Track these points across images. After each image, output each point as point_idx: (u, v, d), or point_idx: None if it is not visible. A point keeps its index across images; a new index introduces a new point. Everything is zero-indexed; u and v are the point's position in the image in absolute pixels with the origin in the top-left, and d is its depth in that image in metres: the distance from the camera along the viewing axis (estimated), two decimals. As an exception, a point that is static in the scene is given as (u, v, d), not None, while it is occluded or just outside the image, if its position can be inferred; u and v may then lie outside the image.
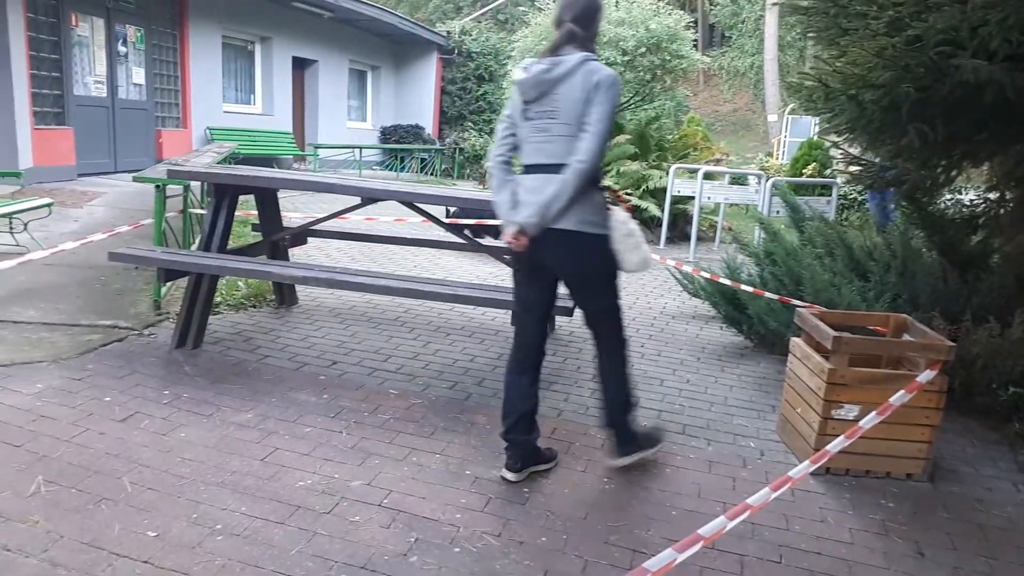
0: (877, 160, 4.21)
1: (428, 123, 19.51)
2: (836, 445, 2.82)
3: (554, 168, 2.79)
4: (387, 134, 19.13)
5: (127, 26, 11.55)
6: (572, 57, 2.77)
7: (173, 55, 12.76)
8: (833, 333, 3.19)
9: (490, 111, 19.92)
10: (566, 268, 2.95)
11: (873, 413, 2.90)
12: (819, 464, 2.75)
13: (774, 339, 4.64)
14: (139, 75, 11.93)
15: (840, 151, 4.24)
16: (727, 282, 4.85)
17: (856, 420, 3.07)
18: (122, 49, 11.48)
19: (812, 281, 4.22)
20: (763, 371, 4.56)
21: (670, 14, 10.61)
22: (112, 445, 3.03)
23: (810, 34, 3.75)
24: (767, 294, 4.56)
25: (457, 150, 18.85)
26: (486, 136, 19.28)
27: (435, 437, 3.34)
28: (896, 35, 2.72)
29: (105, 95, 11.22)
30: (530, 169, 2.90)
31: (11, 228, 5.98)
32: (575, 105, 2.74)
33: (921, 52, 2.67)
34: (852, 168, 4.41)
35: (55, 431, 3.11)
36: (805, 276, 4.31)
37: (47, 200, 6.13)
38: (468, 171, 18.50)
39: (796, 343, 3.57)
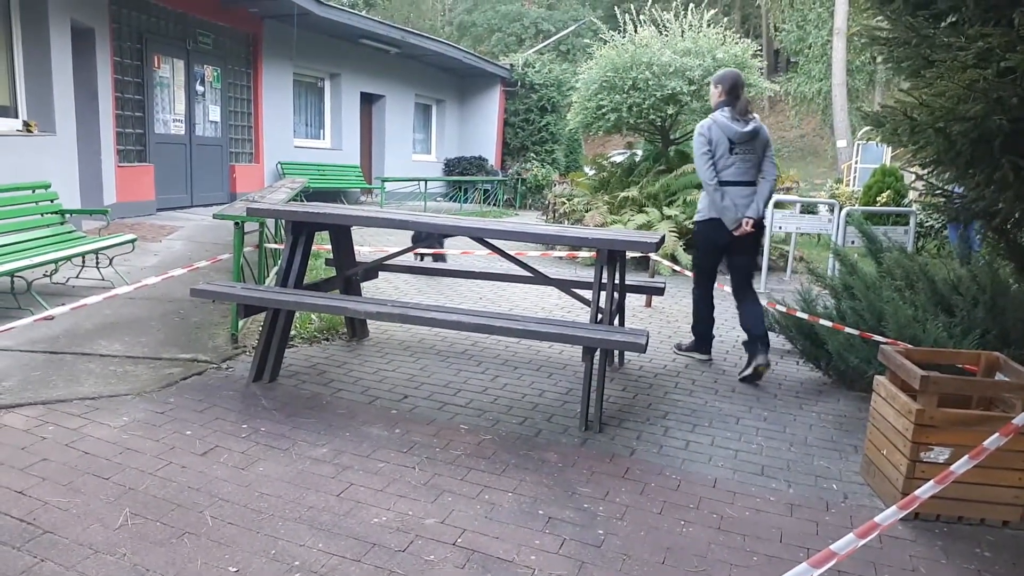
0: (962, 190, 4.06)
1: (491, 154, 19.73)
2: (926, 490, 2.68)
3: (752, 184, 4.89)
4: (451, 166, 19.41)
5: (205, 66, 12.05)
6: (756, 120, 4.90)
7: (247, 92, 13.25)
8: (921, 372, 3.07)
9: (552, 141, 20.05)
10: (749, 241, 4.96)
11: (966, 457, 2.76)
12: (908, 510, 2.63)
13: (854, 376, 4.48)
14: (215, 113, 12.41)
15: (922, 182, 4.10)
16: (804, 316, 4.72)
17: (947, 463, 2.94)
18: (200, 88, 11.97)
19: (895, 316, 4.07)
20: (843, 409, 4.41)
21: (737, 43, 10.53)
22: (194, 479, 3.10)
23: (891, 65, 3.66)
24: (847, 329, 4.42)
25: (519, 180, 18.98)
26: (548, 166, 19.38)
27: (506, 475, 3.32)
28: (987, 67, 2.63)
29: (183, 132, 11.70)
30: (733, 184, 4.84)
31: (97, 263, 6.24)
32: (763, 148, 4.92)
33: (1014, 84, 2.56)
34: (935, 201, 4.25)
35: (140, 464, 3.20)
36: (887, 311, 4.16)
37: (131, 236, 6.38)
38: (530, 201, 18.59)
39: (880, 381, 3.44)
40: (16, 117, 8.02)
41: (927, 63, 3.13)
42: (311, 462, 3.32)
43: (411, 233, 6.95)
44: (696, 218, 5.14)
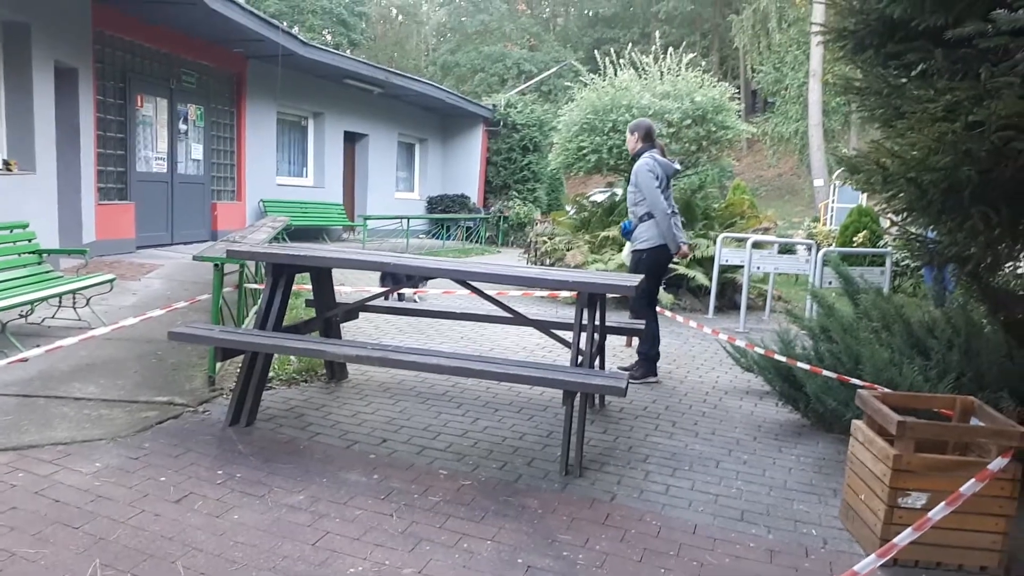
0: (935, 235, 4.14)
1: (474, 192, 19.86)
2: (904, 537, 2.70)
3: (677, 214, 5.84)
4: (434, 204, 19.51)
5: (188, 105, 12.10)
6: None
7: (230, 131, 13.29)
8: (897, 418, 3.09)
9: (534, 180, 20.24)
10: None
11: (943, 504, 2.78)
12: (887, 557, 2.64)
13: (833, 418, 4.50)
14: (197, 151, 12.43)
15: (896, 227, 4.17)
16: (782, 358, 4.75)
17: (924, 509, 2.95)
18: (183, 127, 12.01)
19: (872, 359, 4.11)
20: (822, 452, 4.42)
21: (714, 86, 10.72)
22: (167, 527, 3.04)
23: (864, 114, 3.74)
24: (825, 372, 4.45)
25: (501, 218, 19.09)
26: (530, 204, 19.53)
27: (486, 522, 3.28)
28: (955, 120, 2.70)
29: (165, 170, 11.70)
30: (672, 215, 5.67)
31: (74, 303, 6.18)
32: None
33: (982, 137, 2.63)
34: (908, 246, 4.32)
35: (112, 512, 3.14)
36: (864, 354, 4.20)
37: (109, 276, 6.33)
38: (512, 239, 18.68)
39: (858, 426, 3.46)
40: (-4, 156, 8.00)
41: (898, 114, 3.20)
42: (287, 509, 3.27)
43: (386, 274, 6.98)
44: (644, 246, 5.69)
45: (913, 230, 4.18)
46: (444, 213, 18.86)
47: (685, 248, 5.88)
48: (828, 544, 3.29)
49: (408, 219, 15.88)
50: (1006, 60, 2.68)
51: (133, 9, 10.04)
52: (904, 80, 3.75)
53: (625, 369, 5.81)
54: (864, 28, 4.00)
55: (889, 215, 4.04)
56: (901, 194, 3.12)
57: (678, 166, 5.97)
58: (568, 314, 5.78)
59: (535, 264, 11.01)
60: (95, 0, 9.49)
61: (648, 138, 5.82)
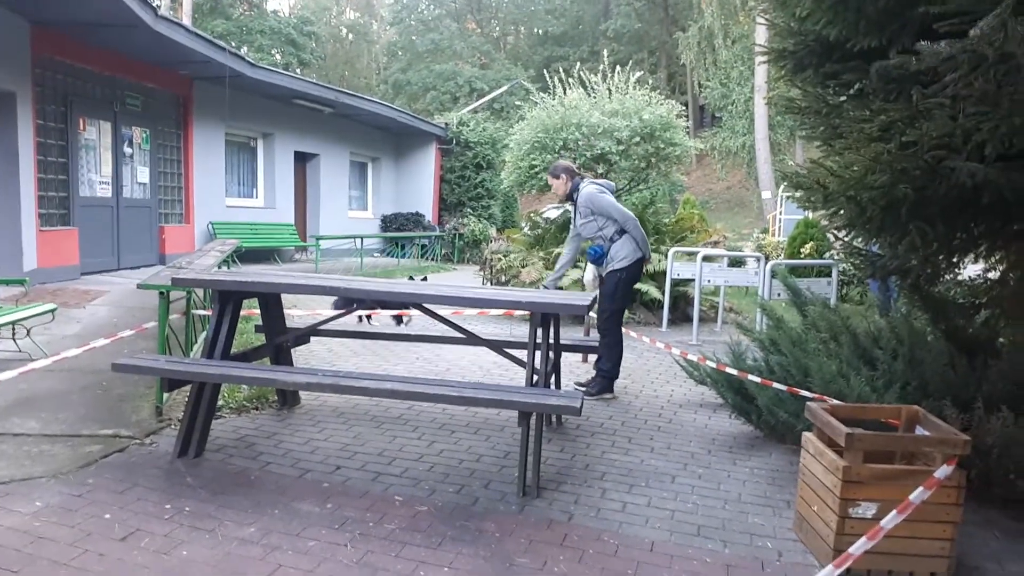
0: (876, 249, 4.25)
1: (428, 210, 19.81)
2: (859, 547, 2.74)
3: None
4: (388, 222, 19.41)
5: (133, 128, 11.87)
6: None
7: (177, 153, 13.07)
8: (846, 430, 3.15)
9: (488, 197, 20.29)
10: None
11: (894, 512, 2.83)
12: (843, 568, 2.68)
13: (784, 430, 4.57)
14: (143, 174, 12.18)
15: (840, 242, 4.27)
16: (734, 372, 4.82)
17: (875, 518, 3.00)
18: (127, 150, 11.76)
19: (820, 372, 4.19)
20: (775, 463, 4.48)
21: (662, 104, 10.90)
22: (112, 567, 2.94)
23: (803, 132, 3.83)
24: (775, 384, 4.52)
25: (456, 236, 19.08)
26: (485, 221, 19.56)
27: (443, 548, 3.25)
28: (890, 140, 2.78)
29: (110, 195, 11.44)
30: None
31: (14, 335, 5.98)
32: None
33: (916, 157, 2.72)
34: (852, 260, 4.43)
35: (53, 554, 3.02)
36: (812, 367, 4.28)
37: (50, 306, 6.15)
38: (468, 255, 18.67)
39: (808, 438, 3.51)
40: (-72, 183, 7.73)
41: (837, 133, 3.29)
42: (238, 543, 3.19)
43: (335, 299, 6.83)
44: (623, 264, 5.65)
45: (856, 244, 4.29)
46: (399, 231, 18.77)
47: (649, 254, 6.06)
48: (783, 556, 3.33)
49: (362, 238, 15.77)
50: (936, 82, 2.77)
51: (75, 32, 9.83)
52: (842, 99, 3.86)
53: (581, 385, 5.83)
54: (803, 49, 4.12)
55: (832, 231, 4.14)
56: (842, 211, 3.20)
57: (613, 184, 6.24)
58: (524, 332, 5.77)
59: (491, 281, 11.01)
60: (34, 23, 9.27)
61: (573, 174, 5.88)
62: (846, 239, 4.06)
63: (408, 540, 3.30)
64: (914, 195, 2.84)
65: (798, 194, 3.48)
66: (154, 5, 9.30)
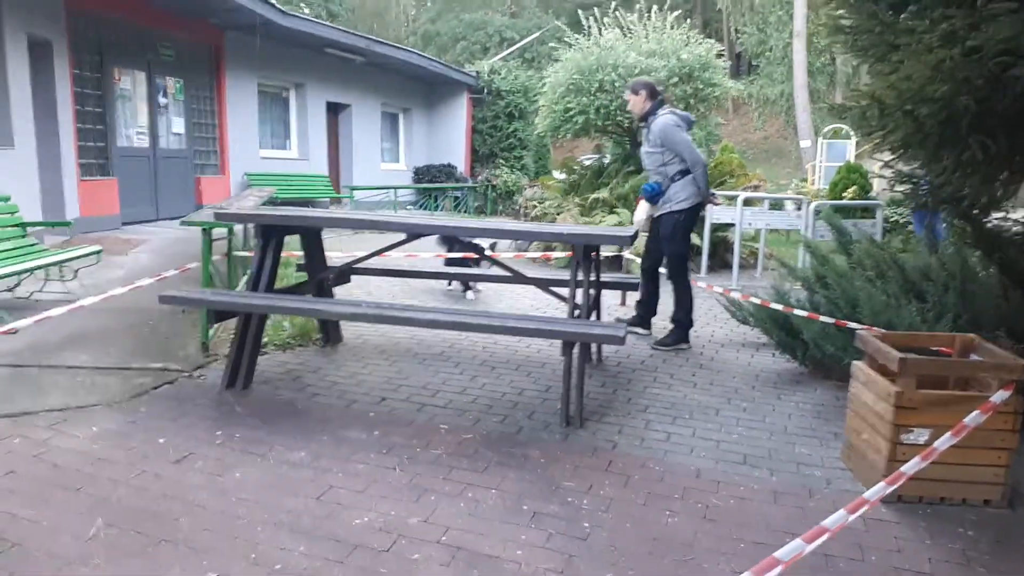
0: (928, 178, 4.11)
1: (460, 162, 19.69)
2: (912, 467, 2.70)
3: None
4: (420, 174, 19.33)
5: (167, 78, 11.87)
6: None
7: (211, 104, 13.07)
8: (899, 354, 3.09)
9: (520, 147, 20.08)
10: None
11: (948, 434, 2.78)
12: (896, 485, 2.64)
13: (831, 364, 4.51)
14: (179, 125, 12.22)
15: (891, 170, 4.14)
16: (779, 307, 4.75)
17: (927, 445, 2.96)
18: (162, 100, 11.79)
19: (869, 302, 4.10)
20: (821, 398, 4.43)
21: (700, 43, 10.61)
22: (168, 487, 3.02)
23: (855, 53, 3.69)
24: (822, 318, 4.44)
25: (489, 187, 18.97)
26: (517, 172, 19.41)
27: (489, 472, 3.28)
28: (952, 46, 2.66)
29: (147, 145, 11.51)
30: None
31: (61, 276, 6.09)
32: None
33: (980, 64, 2.60)
34: (902, 188, 4.30)
35: (112, 473, 3.11)
36: (861, 297, 4.19)
37: (96, 248, 6.24)
38: (501, 207, 18.59)
39: (858, 367, 3.45)
40: (-28, 131, 7.84)
41: (892, 48, 3.16)
42: (289, 466, 3.25)
43: (376, 237, 6.56)
44: (682, 206, 5.37)
45: (907, 172, 4.16)
46: (431, 183, 18.71)
47: (717, 197, 5.88)
48: (831, 484, 3.30)
49: (395, 189, 15.75)
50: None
51: (106, -20, 9.81)
52: (895, 19, 3.70)
53: (633, 328, 5.68)
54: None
55: (882, 157, 4.01)
56: (898, 129, 3.08)
57: (693, 116, 5.82)
58: (562, 275, 5.74)
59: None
60: (65, -30, 9.26)
61: (654, 94, 5.49)
62: (898, 164, 3.93)
63: (455, 464, 3.33)
64: (976, 107, 2.72)
65: (850, 114, 3.36)
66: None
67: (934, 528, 2.93)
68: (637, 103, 5.50)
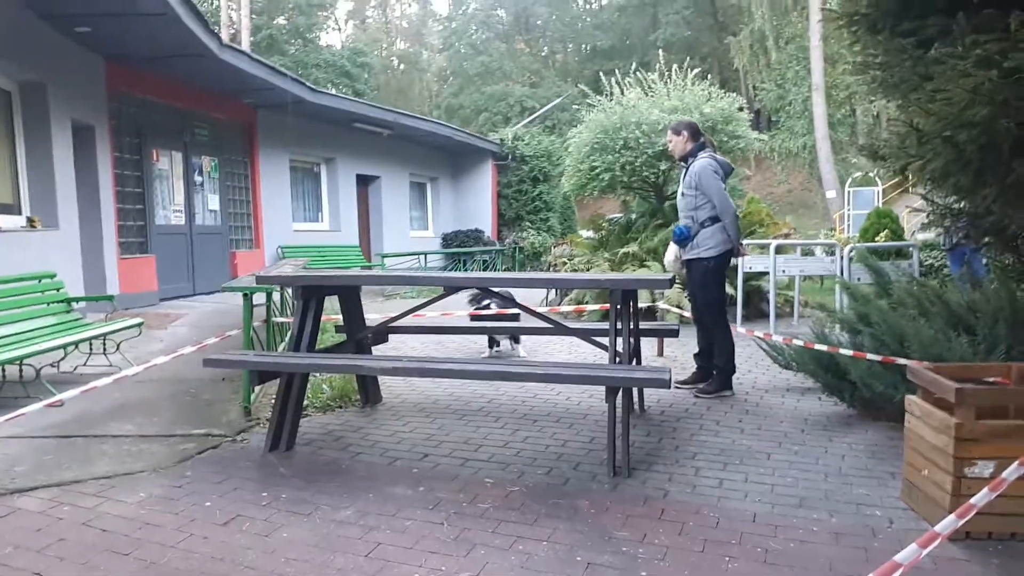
0: (968, 209, 4.07)
1: (487, 226, 19.93)
2: (981, 499, 2.59)
3: None
4: (448, 240, 19.57)
5: (203, 157, 12.25)
6: None
7: (245, 180, 13.44)
8: (955, 385, 3.00)
9: (546, 209, 20.31)
10: None
11: (1016, 463, 2.67)
12: (965, 519, 2.53)
13: (881, 404, 4.39)
14: (214, 201, 12.55)
15: (931, 204, 4.10)
16: (823, 347, 4.66)
17: (992, 477, 2.84)
18: (198, 179, 12.15)
19: (917, 336, 4.02)
20: (873, 438, 4.30)
21: (722, 98, 10.75)
22: (216, 549, 2.99)
23: (886, 90, 3.70)
24: (869, 356, 4.35)
25: (516, 249, 19.12)
26: (544, 233, 19.57)
27: (539, 524, 3.20)
28: (989, 69, 2.65)
29: (183, 222, 11.80)
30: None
31: (104, 349, 6.19)
32: None
33: (1019, 84, 2.58)
34: (944, 223, 4.25)
35: (160, 538, 3.09)
36: (908, 332, 4.11)
37: (138, 320, 6.36)
38: (529, 268, 18.68)
39: (913, 401, 3.36)
40: (20, 214, 8.11)
41: (925, 79, 3.16)
42: (335, 525, 3.21)
43: (408, 302, 6.65)
44: (711, 253, 5.29)
45: (946, 205, 4.11)
46: (459, 248, 18.91)
47: (746, 248, 5.83)
48: (894, 524, 3.18)
49: (425, 255, 15.92)
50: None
51: (146, 65, 10.23)
52: (922, 52, 3.73)
53: (684, 383, 5.55)
54: (875, 10, 4.00)
55: (919, 192, 3.98)
56: (937, 157, 3.06)
57: (732, 165, 5.78)
58: (599, 326, 5.70)
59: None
60: (108, 58, 9.69)
61: (697, 136, 5.45)
62: (938, 197, 3.89)
63: (503, 518, 3.27)
64: (1016, 130, 2.70)
65: (886, 142, 3.35)
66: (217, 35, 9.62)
67: (1009, 566, 2.80)
68: (679, 143, 5.48)
